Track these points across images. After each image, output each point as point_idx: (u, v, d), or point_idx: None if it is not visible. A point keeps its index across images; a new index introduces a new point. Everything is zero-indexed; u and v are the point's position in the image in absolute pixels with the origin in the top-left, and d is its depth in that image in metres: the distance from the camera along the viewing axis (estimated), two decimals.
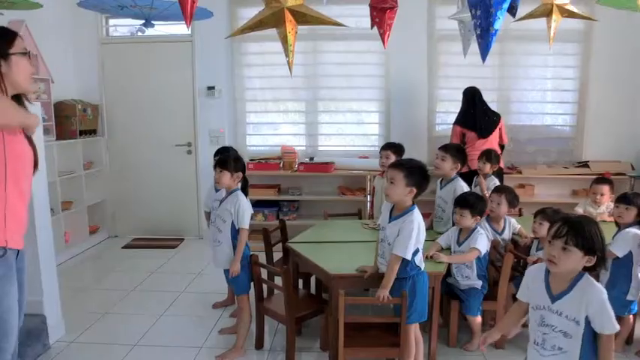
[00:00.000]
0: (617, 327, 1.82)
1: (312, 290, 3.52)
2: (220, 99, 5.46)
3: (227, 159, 3.03)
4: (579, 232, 1.78)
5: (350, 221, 4.07)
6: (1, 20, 3.72)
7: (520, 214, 4.06)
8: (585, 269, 1.83)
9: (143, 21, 3.76)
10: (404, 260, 2.46)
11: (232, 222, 2.93)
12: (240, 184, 3.03)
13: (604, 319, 1.79)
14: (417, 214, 2.49)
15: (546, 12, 3.21)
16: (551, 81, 5.45)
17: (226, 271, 3.03)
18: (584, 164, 5.28)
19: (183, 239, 5.61)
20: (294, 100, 5.59)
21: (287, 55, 3.02)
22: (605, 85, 5.29)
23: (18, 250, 1.99)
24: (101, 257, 5.16)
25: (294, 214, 5.28)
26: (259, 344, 3.14)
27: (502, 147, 4.80)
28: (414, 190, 2.46)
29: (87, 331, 3.39)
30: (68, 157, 5.03)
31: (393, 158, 3.76)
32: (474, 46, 3.95)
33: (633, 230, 2.97)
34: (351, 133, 5.59)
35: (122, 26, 5.57)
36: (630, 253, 2.95)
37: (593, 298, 1.79)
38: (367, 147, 5.47)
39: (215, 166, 3.02)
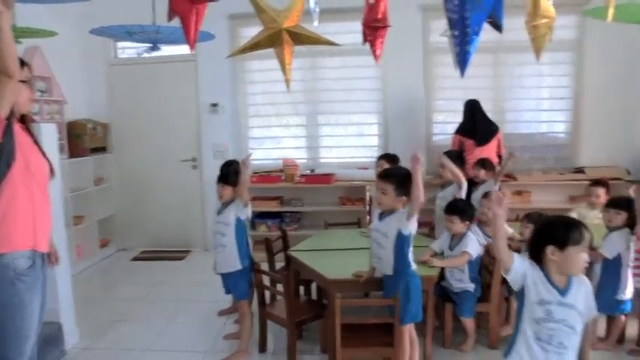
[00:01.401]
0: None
1: (314, 296, 3.66)
2: (224, 115, 5.67)
3: (228, 173, 3.21)
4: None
5: (349, 230, 4.22)
6: (19, 47, 3.94)
7: (516, 219, 4.17)
8: None
9: (150, 45, 3.96)
10: (402, 255, 2.61)
11: (235, 224, 3.09)
12: None
13: (592, 305, 1.93)
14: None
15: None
16: (546, 90, 5.59)
17: (225, 279, 3.19)
18: (580, 170, 5.38)
19: (190, 251, 5.78)
20: (295, 115, 5.77)
21: (284, 73, 3.20)
22: (599, 92, 5.40)
23: (43, 256, 2.17)
24: (111, 269, 5.35)
25: (296, 224, 5.43)
26: (262, 347, 3.28)
27: (500, 158, 4.94)
28: (405, 199, 2.60)
29: (100, 338, 3.57)
30: (79, 173, 5.25)
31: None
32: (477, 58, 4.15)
33: (622, 233, 3.10)
34: (351, 145, 5.75)
35: (130, 48, 5.80)
36: (619, 255, 3.09)
37: (588, 287, 1.93)
38: (366, 158, 5.61)
39: (218, 181, 3.20)
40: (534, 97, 5.60)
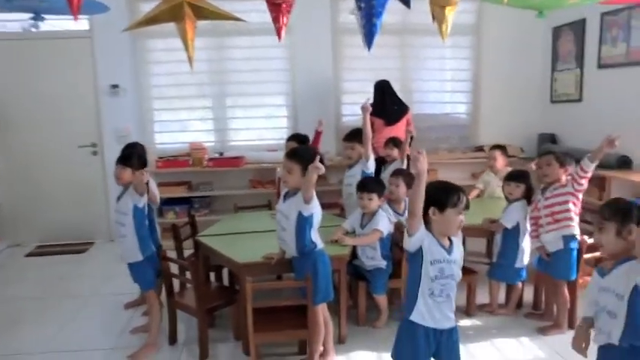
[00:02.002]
0: None
1: (226, 282, 3.56)
2: (125, 97, 5.31)
3: (131, 155, 2.99)
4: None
5: (258, 212, 4.14)
6: None
7: None
8: None
9: (33, 15, 3.56)
10: (304, 236, 2.58)
11: (133, 213, 2.89)
12: None
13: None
14: None
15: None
16: (449, 72, 5.81)
17: (130, 269, 3.00)
18: (481, 148, 5.68)
19: (92, 243, 5.41)
20: (202, 97, 5.52)
21: (187, 50, 3.02)
22: (496, 75, 5.73)
23: None
24: (3, 267, 4.85)
25: (206, 209, 5.25)
26: (173, 339, 3.12)
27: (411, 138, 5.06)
28: None
29: None
30: None
31: None
32: (377, 39, 4.18)
33: (520, 204, 3.30)
34: (260, 127, 5.63)
35: (12, 21, 5.22)
36: (518, 225, 3.28)
37: (460, 245, 2.17)
38: (276, 140, 5.52)
39: (117, 162, 2.96)
40: (438, 79, 5.80)
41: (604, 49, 4.85)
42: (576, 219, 3.19)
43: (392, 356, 2.19)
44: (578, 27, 5.17)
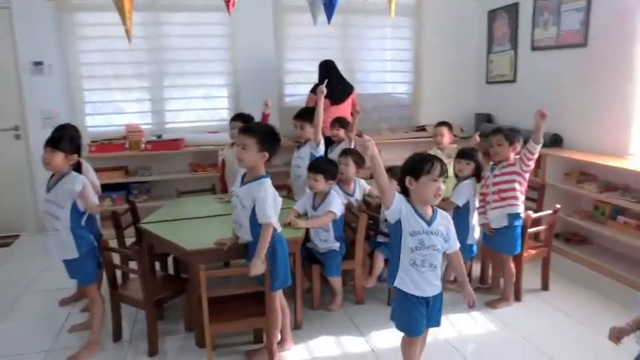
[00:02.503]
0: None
1: (171, 271, 3.39)
2: (51, 76, 4.89)
3: (61, 137, 2.73)
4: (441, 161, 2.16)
5: (204, 197, 3.97)
6: None
7: (372, 177, 4.29)
8: None
9: None
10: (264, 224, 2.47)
11: (73, 206, 2.65)
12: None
13: (452, 238, 2.23)
14: (267, 182, 2.50)
15: None
16: (390, 52, 5.81)
17: (66, 264, 2.75)
18: (422, 128, 5.77)
19: (18, 235, 4.99)
20: (138, 76, 5.18)
21: (124, 23, 2.79)
22: (435, 56, 5.82)
23: None
24: None
25: (145, 195, 4.99)
26: (117, 336, 2.92)
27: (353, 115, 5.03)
28: (267, 155, 2.46)
29: None
30: None
31: None
32: (321, 18, 4.09)
33: (470, 182, 3.34)
34: (200, 108, 5.38)
35: None
36: (468, 203, 3.33)
37: (450, 221, 2.23)
38: (217, 121, 5.34)
39: (45, 145, 2.68)
40: (380, 59, 5.79)
41: (536, 32, 5.01)
42: (522, 198, 3.29)
43: (391, 319, 2.34)
44: (512, 11, 5.32)
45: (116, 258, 2.90)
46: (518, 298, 3.39)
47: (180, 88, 5.29)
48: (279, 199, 2.54)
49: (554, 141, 4.67)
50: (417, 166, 2.12)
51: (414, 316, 2.22)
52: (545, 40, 4.89)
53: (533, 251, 3.47)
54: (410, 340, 2.29)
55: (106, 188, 4.73)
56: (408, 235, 2.14)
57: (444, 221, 2.21)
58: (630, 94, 4.03)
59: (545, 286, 3.57)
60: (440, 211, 2.22)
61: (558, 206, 3.51)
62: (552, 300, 3.38)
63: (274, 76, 5.39)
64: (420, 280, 2.18)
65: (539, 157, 4.44)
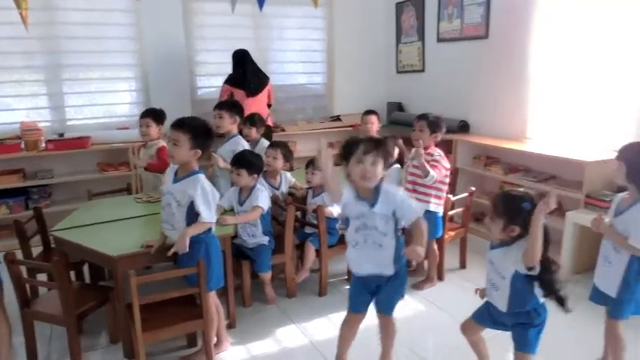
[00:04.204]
0: (419, 212, 2.18)
1: (87, 281, 3.14)
2: None
3: None
4: (379, 147, 2.13)
5: (120, 197, 3.71)
6: None
7: (292, 169, 4.27)
8: None
9: None
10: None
11: None
12: None
13: (406, 211, 2.15)
14: (203, 178, 2.41)
15: None
16: (303, 42, 5.79)
17: None
18: (337, 118, 5.84)
19: None
20: (31, 68, 4.65)
21: (19, 6, 2.50)
22: (348, 47, 5.91)
23: None
24: None
25: (47, 200, 4.53)
26: (32, 357, 2.62)
27: (269, 107, 4.97)
28: (199, 152, 2.37)
29: None
30: None
31: (154, 127, 3.58)
32: (238, 6, 3.97)
33: (395, 168, 3.43)
34: (106, 102, 4.99)
35: None
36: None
37: (397, 198, 2.15)
38: (127, 117, 5.01)
39: None
40: (293, 50, 5.76)
41: (442, 25, 5.26)
42: (435, 192, 3.33)
43: None
44: (419, 3, 5.53)
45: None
46: (440, 277, 3.57)
47: (82, 82, 4.84)
48: (217, 195, 2.45)
49: (462, 127, 4.95)
50: (345, 150, 2.16)
51: (352, 291, 2.38)
52: (450, 32, 5.15)
53: (452, 233, 3.65)
54: (346, 315, 2.39)
55: (1, 194, 4.30)
56: (354, 218, 2.20)
57: (389, 201, 2.15)
58: (526, 83, 4.37)
59: (463, 264, 3.79)
60: (386, 192, 2.16)
61: (473, 189, 3.73)
62: (470, 277, 3.59)
63: (185, 68, 5.15)
64: (360, 258, 2.24)
65: (450, 142, 4.72)
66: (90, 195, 3.65)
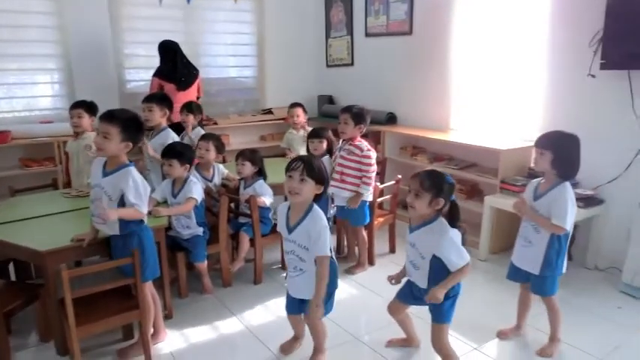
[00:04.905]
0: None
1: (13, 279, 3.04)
2: None
3: None
4: (310, 165, 2.19)
5: (45, 193, 3.57)
6: None
7: (225, 161, 4.30)
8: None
9: None
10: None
11: None
12: None
13: (318, 245, 2.22)
14: (134, 170, 2.40)
15: None
16: (234, 36, 5.79)
17: None
18: (269, 111, 5.90)
19: None
20: None
21: None
22: (278, 40, 5.97)
23: None
24: None
25: None
26: None
27: (198, 99, 4.94)
28: (130, 145, 2.35)
29: None
30: None
31: (86, 118, 3.51)
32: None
33: (326, 159, 3.55)
34: (26, 95, 4.76)
35: None
36: None
37: (315, 227, 2.22)
38: (50, 110, 4.81)
39: None
40: (224, 43, 5.74)
41: (369, 20, 5.45)
42: (363, 181, 3.44)
43: None
44: None
45: None
46: (371, 262, 3.74)
47: (0, 73, 4.59)
48: (148, 187, 2.45)
49: (390, 119, 5.17)
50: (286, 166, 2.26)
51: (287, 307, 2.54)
52: (377, 27, 5.35)
53: (381, 219, 3.84)
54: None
55: None
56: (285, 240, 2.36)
57: (309, 229, 2.22)
58: (447, 77, 4.65)
59: (392, 249, 3.99)
60: (311, 218, 2.23)
61: (399, 177, 3.93)
62: (400, 260, 3.73)
63: (112, 61, 5.01)
64: (291, 282, 2.40)
65: (379, 133, 4.92)
66: (12, 191, 3.50)
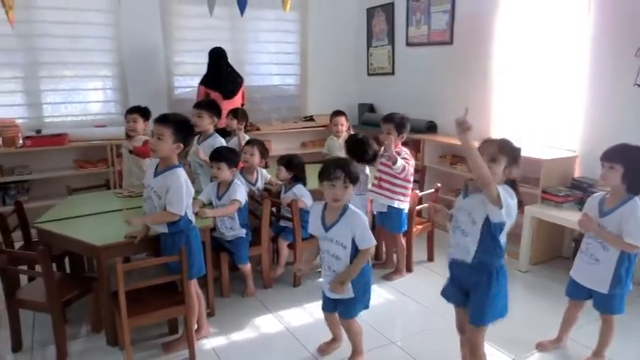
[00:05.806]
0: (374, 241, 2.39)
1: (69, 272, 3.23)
2: None
3: None
4: (349, 172, 2.29)
5: (100, 193, 3.80)
6: None
7: (267, 166, 4.42)
8: None
9: None
10: (180, 218, 2.51)
11: None
12: None
13: (364, 239, 2.32)
14: (181, 172, 2.52)
15: None
16: (278, 45, 5.94)
17: None
18: (310, 118, 6.01)
19: None
20: (8, 65, 4.65)
21: (3, 5, 2.59)
22: (320, 49, 6.08)
23: None
24: None
25: (25, 196, 4.56)
26: (18, 345, 2.72)
27: (242, 106, 5.09)
28: (182, 146, 2.49)
29: None
30: None
31: (141, 122, 3.73)
32: (216, 9, 4.08)
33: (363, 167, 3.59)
34: (84, 100, 5.03)
35: None
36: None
37: (356, 224, 2.31)
38: (104, 115, 5.08)
39: None
40: (268, 52, 5.90)
41: (410, 30, 5.50)
42: (401, 190, 3.49)
43: None
44: (388, 9, 5.76)
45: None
46: (409, 269, 3.77)
47: (60, 79, 4.89)
48: (192, 190, 2.57)
49: (430, 127, 5.19)
50: (321, 172, 2.36)
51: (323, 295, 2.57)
52: (418, 37, 5.39)
53: (420, 227, 3.86)
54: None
55: None
56: (318, 239, 2.46)
57: (348, 227, 2.31)
58: (489, 85, 4.63)
59: (430, 257, 4.00)
60: (348, 217, 2.33)
61: (439, 185, 3.95)
62: (437, 269, 3.80)
63: (163, 68, 5.25)
64: (325, 282, 2.47)
65: (418, 141, 4.95)
66: (69, 190, 3.73)
